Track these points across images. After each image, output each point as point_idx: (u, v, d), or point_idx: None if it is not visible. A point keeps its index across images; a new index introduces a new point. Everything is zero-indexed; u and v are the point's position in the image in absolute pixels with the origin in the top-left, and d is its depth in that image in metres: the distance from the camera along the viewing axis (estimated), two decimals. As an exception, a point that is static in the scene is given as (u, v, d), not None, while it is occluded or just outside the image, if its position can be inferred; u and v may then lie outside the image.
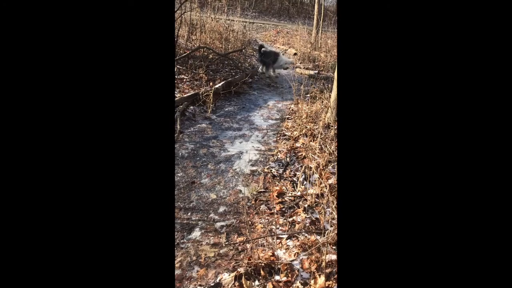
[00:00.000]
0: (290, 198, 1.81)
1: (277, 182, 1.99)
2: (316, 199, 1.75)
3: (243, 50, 5.18)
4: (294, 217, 1.63)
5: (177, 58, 3.67)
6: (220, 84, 3.38)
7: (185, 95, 2.99)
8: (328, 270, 1.25)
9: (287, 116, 3.16)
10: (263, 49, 4.53)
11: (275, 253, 1.37)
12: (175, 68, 3.56)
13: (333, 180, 1.91)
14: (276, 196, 1.83)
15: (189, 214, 1.66)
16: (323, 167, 2.04)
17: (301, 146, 2.41)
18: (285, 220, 1.63)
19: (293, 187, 1.93)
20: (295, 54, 6.28)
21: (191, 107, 2.93)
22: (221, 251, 1.43)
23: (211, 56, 4.23)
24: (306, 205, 1.71)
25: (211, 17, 5.61)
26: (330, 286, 1.17)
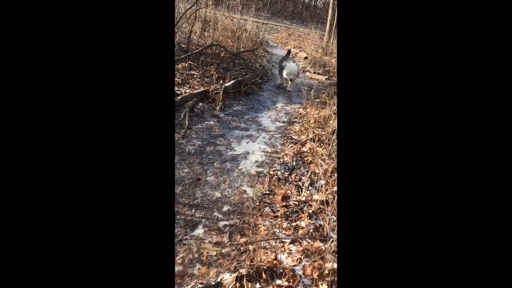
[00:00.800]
0: (294, 202, 1.80)
1: (282, 185, 1.99)
2: (321, 206, 1.74)
3: (255, 51, 5.18)
4: (298, 222, 1.62)
5: (189, 54, 3.68)
6: (230, 83, 3.38)
7: (195, 91, 3.00)
8: (330, 279, 1.24)
9: (295, 120, 3.15)
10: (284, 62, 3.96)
11: (278, 257, 1.36)
12: (187, 63, 3.56)
13: (338, 187, 1.90)
14: (280, 199, 1.83)
15: (193, 210, 1.66)
16: (329, 174, 2.03)
17: (308, 151, 2.40)
18: (288, 224, 1.62)
19: (298, 191, 1.93)
20: (305, 58, 6.27)
21: (200, 103, 2.93)
22: (223, 251, 1.42)
23: (222, 54, 4.23)
24: (310, 211, 1.70)
25: (225, 15, 5.62)
26: (331, 294, 1.17)
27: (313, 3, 13.87)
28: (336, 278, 1.25)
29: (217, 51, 4.26)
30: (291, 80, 3.82)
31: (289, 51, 4.37)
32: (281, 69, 4.01)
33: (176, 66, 3.39)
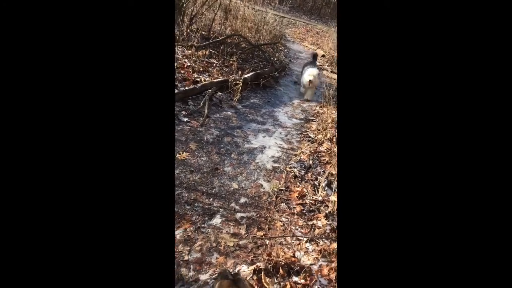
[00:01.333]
0: (311, 201, 1.80)
1: (298, 183, 1.98)
2: (338, 207, 1.74)
3: (274, 45, 5.12)
4: (314, 221, 1.63)
5: (211, 42, 3.65)
6: (249, 75, 3.36)
7: (215, 80, 2.98)
8: (347, 281, 1.25)
9: (312, 118, 3.13)
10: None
11: (295, 254, 1.37)
12: (207, 51, 3.53)
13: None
14: (296, 197, 1.83)
15: (211, 199, 1.67)
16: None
17: (325, 151, 2.39)
18: (305, 223, 1.63)
19: (314, 191, 1.92)
20: (323, 56, 6.19)
21: (219, 93, 2.92)
22: (240, 242, 1.43)
23: (243, 45, 4.19)
24: (327, 211, 1.70)
25: (247, 5, 5.54)
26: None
27: (333, 0, 13.63)
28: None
29: (237, 41, 4.22)
30: (310, 81, 3.43)
31: (314, 56, 3.99)
32: (303, 73, 3.67)
33: (196, 53, 3.37)
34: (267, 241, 1.45)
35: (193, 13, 3.90)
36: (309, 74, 3.45)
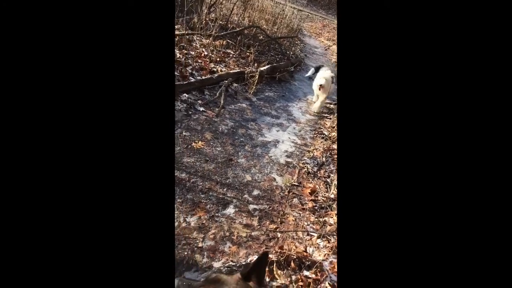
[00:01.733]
0: (323, 198, 1.81)
1: (310, 179, 1.99)
2: (350, 206, 1.75)
3: (290, 38, 5.06)
4: (326, 218, 1.64)
5: (228, 32, 3.63)
6: (265, 68, 3.34)
7: (231, 71, 2.98)
8: (357, 279, 1.26)
9: (326, 115, 3.11)
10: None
11: (307, 249, 1.39)
12: (224, 41, 3.52)
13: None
14: (309, 193, 1.84)
15: (224, 189, 1.69)
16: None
17: (339, 149, 2.38)
18: (316, 219, 1.64)
19: (327, 188, 1.93)
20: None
21: (235, 84, 2.92)
22: (252, 234, 1.45)
23: (261, 37, 4.15)
24: (339, 209, 1.71)
25: (265, -4, 5.47)
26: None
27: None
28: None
29: (255, 33, 4.19)
30: (321, 85, 2.96)
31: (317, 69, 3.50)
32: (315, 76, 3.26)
33: (214, 42, 3.36)
34: (279, 234, 1.47)
35: (212, 2, 3.87)
36: (321, 77, 2.98)
